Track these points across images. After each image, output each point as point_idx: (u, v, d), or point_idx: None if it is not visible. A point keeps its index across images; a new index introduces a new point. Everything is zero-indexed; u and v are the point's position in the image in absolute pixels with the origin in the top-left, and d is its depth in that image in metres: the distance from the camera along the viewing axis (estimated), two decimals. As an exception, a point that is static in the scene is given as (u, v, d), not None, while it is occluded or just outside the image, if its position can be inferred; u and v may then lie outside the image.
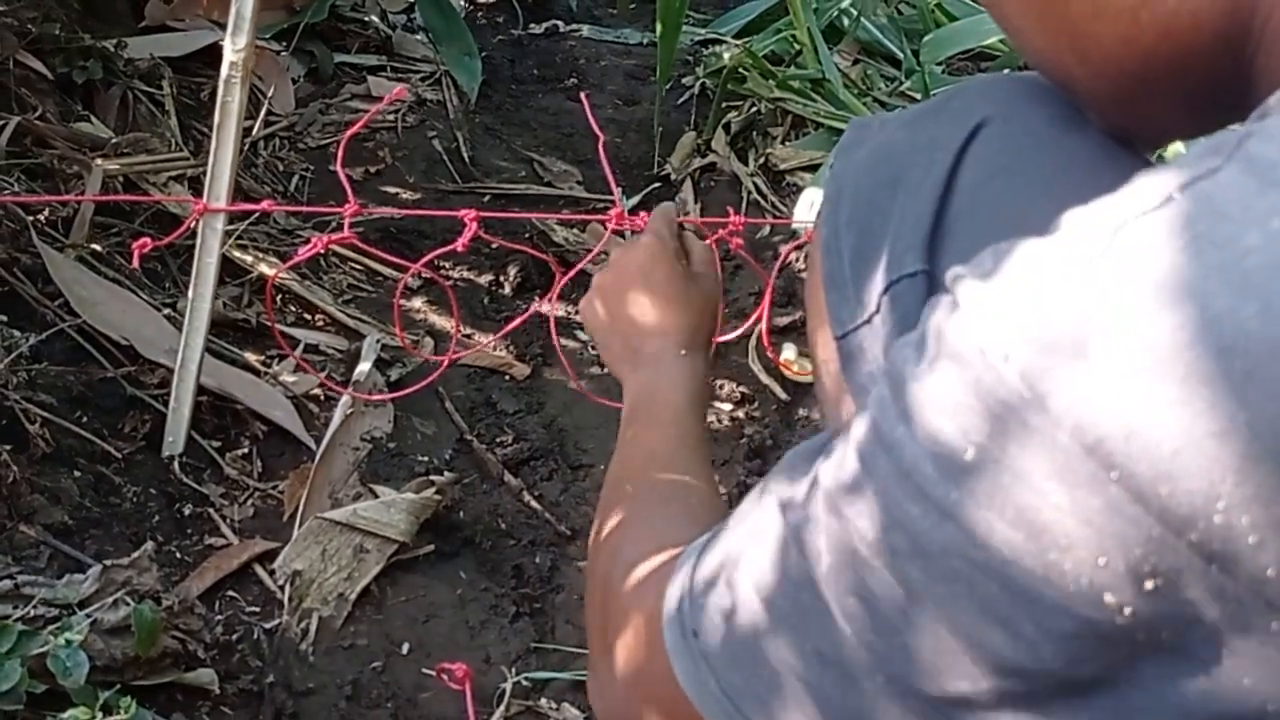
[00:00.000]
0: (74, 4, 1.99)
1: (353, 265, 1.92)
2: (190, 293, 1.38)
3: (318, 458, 1.46)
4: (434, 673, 1.23)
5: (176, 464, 1.43)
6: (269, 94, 2.10)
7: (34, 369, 1.40)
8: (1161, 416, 0.35)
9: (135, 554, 1.17)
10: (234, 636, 1.23)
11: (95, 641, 1.06)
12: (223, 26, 1.34)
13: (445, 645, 1.31)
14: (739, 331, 1.34)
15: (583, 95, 1.53)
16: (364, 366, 1.62)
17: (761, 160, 2.18)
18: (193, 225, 1.35)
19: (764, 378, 1.71)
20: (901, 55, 2.54)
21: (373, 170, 2.16)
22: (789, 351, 1.73)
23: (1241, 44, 0.48)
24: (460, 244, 1.19)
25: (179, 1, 2.21)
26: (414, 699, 1.25)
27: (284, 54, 2.30)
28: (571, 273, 1.23)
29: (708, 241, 1.07)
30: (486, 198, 2.21)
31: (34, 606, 1.06)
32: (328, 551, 1.35)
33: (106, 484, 1.37)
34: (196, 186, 1.73)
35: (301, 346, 1.68)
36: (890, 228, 0.64)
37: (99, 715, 0.98)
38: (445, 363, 1.40)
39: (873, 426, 0.43)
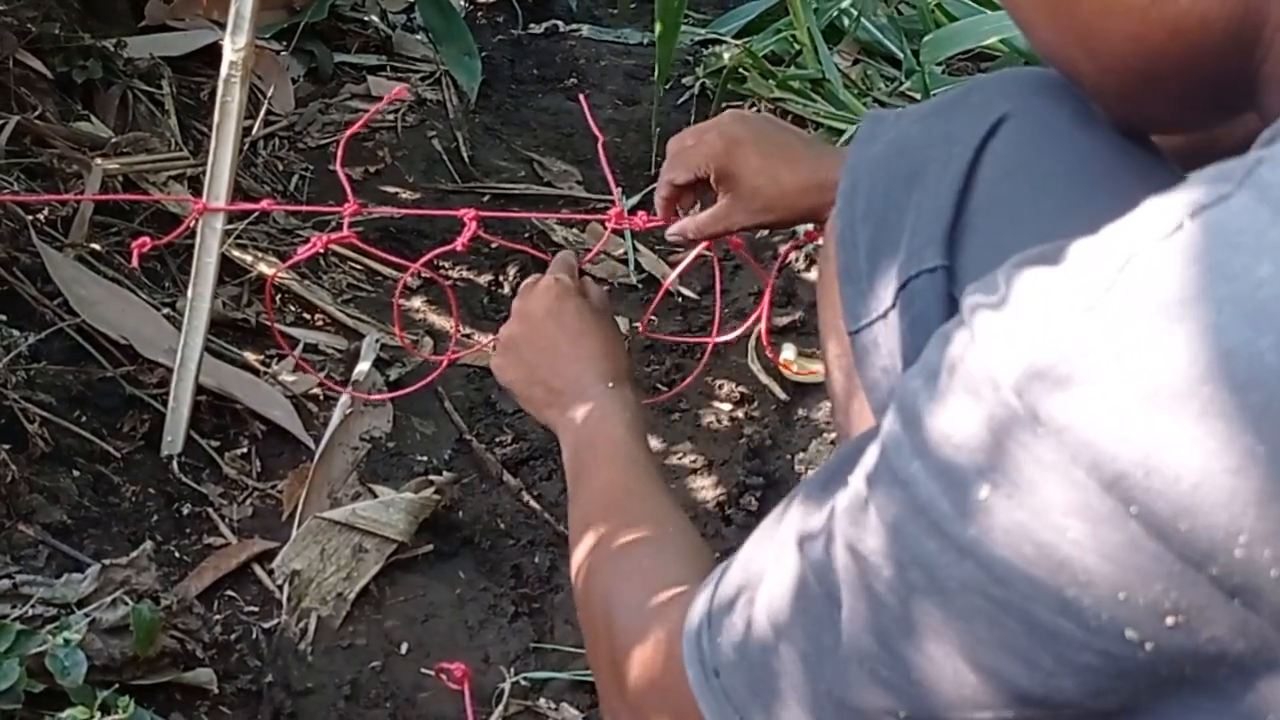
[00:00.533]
0: (74, 4, 1.99)
1: (352, 265, 1.92)
2: (189, 292, 1.38)
3: (317, 457, 1.46)
4: (433, 672, 1.23)
5: (175, 463, 1.43)
6: (269, 94, 2.10)
7: (33, 368, 1.40)
8: (1179, 452, 0.35)
9: (134, 553, 1.17)
10: (232, 636, 1.23)
11: (94, 641, 1.06)
12: (222, 26, 1.34)
13: (444, 645, 1.31)
14: (739, 331, 1.34)
15: (581, 96, 1.53)
16: (363, 366, 1.62)
17: (761, 160, 2.17)
18: (192, 225, 1.35)
19: (764, 378, 1.71)
20: (901, 55, 2.54)
21: (372, 170, 2.15)
22: (788, 351, 1.72)
23: (1251, 47, 0.48)
24: (460, 244, 1.19)
25: (179, 1, 2.21)
26: (413, 699, 1.24)
27: (284, 54, 2.30)
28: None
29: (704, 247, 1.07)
30: (486, 197, 2.21)
31: (32, 606, 1.06)
32: (326, 551, 1.34)
33: (105, 483, 1.37)
34: (196, 186, 1.72)
35: (301, 346, 1.68)
36: (907, 222, 0.64)
37: (97, 715, 0.98)
38: (445, 362, 1.40)
39: (885, 461, 0.42)
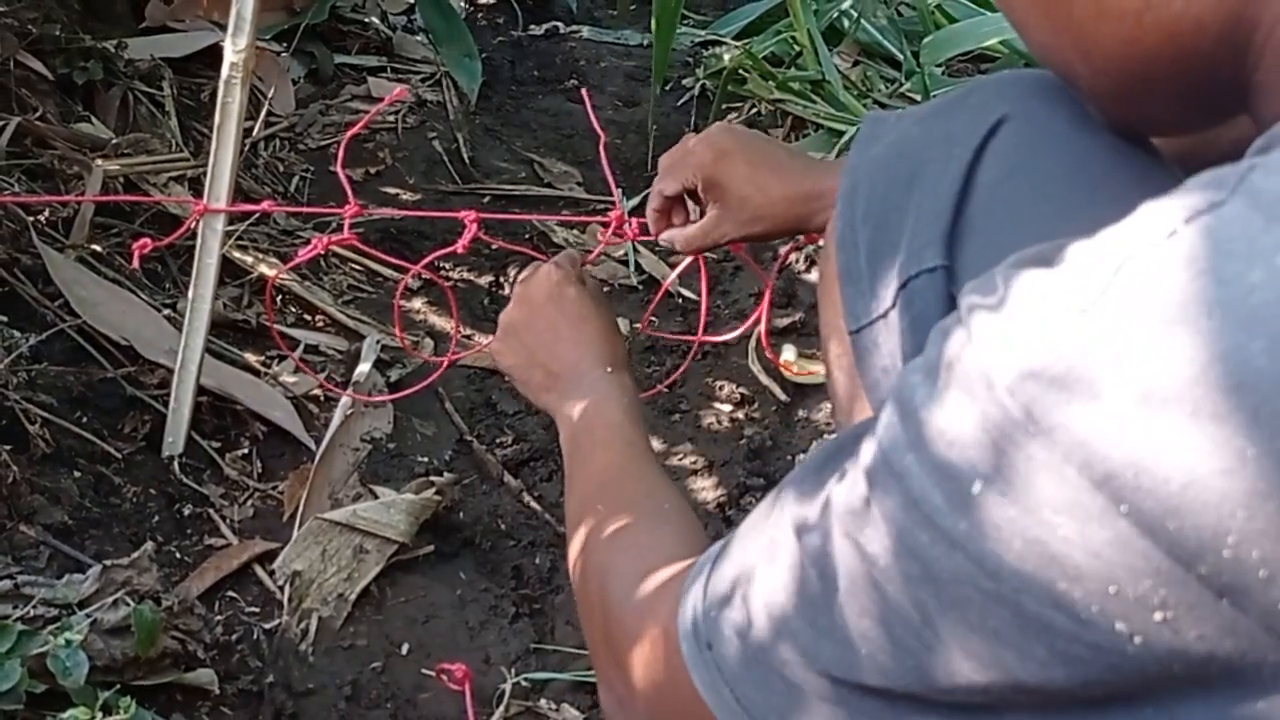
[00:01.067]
0: (74, 4, 1.99)
1: (353, 266, 1.92)
2: (190, 293, 1.38)
3: (317, 458, 1.46)
4: (434, 673, 1.23)
5: (176, 464, 1.43)
6: (269, 95, 2.10)
7: (34, 369, 1.40)
8: (1170, 452, 0.35)
9: (135, 554, 1.17)
10: (234, 637, 1.23)
11: (95, 641, 1.06)
12: (223, 27, 1.35)
13: (445, 646, 1.31)
14: (739, 332, 1.34)
15: (584, 92, 1.53)
16: (364, 367, 1.62)
17: (761, 161, 2.17)
18: (193, 226, 1.35)
19: (764, 379, 1.71)
20: (901, 57, 2.54)
21: (373, 171, 2.16)
22: (789, 352, 1.73)
23: (1243, 53, 0.49)
24: (460, 245, 1.19)
25: (179, 2, 2.21)
26: (413, 699, 1.25)
27: (284, 55, 2.31)
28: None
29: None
30: (486, 199, 2.22)
31: (34, 606, 1.06)
32: (327, 552, 1.35)
33: (106, 484, 1.37)
34: (197, 187, 1.73)
35: (301, 347, 1.68)
36: (907, 223, 0.64)
37: (99, 715, 0.98)
38: (445, 363, 1.40)
39: (882, 453, 0.43)
